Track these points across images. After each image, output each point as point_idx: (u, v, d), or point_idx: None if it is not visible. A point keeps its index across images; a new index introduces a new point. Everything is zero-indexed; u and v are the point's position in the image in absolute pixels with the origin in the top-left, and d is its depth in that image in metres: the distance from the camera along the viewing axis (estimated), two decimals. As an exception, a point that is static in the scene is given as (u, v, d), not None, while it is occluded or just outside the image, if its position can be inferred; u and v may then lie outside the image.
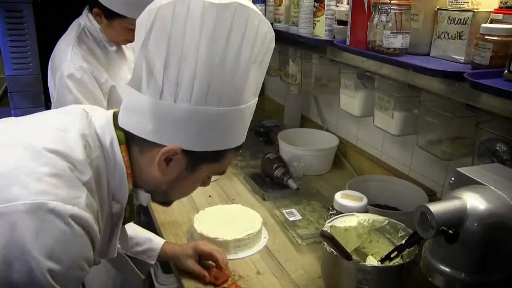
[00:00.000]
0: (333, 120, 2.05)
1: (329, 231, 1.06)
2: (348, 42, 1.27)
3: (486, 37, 0.90)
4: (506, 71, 0.84)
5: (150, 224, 1.52)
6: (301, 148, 1.84)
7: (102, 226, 0.80)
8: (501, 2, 0.98)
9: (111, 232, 0.87)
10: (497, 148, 1.01)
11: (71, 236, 0.68)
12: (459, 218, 0.78)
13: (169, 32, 0.72)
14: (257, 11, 0.76)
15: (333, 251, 1.01)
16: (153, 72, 0.74)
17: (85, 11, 1.53)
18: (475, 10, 0.98)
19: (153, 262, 1.21)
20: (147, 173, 0.82)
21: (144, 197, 0.88)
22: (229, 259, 1.23)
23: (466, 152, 1.18)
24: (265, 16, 1.90)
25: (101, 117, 0.82)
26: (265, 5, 1.91)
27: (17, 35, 2.13)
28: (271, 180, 1.72)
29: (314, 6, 1.42)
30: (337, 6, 1.37)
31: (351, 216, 1.16)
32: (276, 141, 1.96)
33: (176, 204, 1.52)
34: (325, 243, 1.03)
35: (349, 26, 1.25)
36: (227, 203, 1.57)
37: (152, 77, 0.74)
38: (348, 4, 1.29)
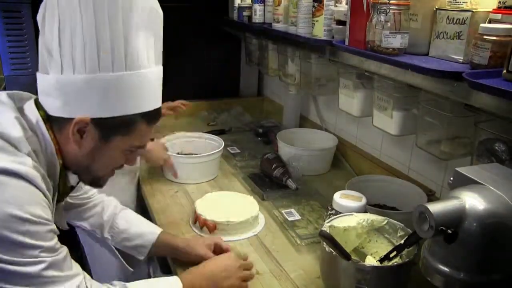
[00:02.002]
0: (332, 120, 2.05)
1: (328, 231, 1.06)
2: (347, 42, 1.27)
3: (485, 37, 0.90)
4: (504, 71, 0.84)
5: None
6: (300, 148, 1.84)
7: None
8: (499, 2, 0.98)
9: (55, 208, 0.93)
10: (496, 148, 1.02)
11: (23, 190, 0.76)
12: (458, 218, 0.78)
13: (57, 16, 0.83)
14: None
15: (332, 251, 1.01)
16: (52, 52, 0.84)
17: None
18: (474, 10, 0.99)
19: (141, 258, 1.24)
20: (68, 150, 0.90)
21: (72, 178, 0.98)
22: (233, 240, 1.34)
23: (465, 152, 1.18)
24: (264, 16, 1.92)
25: (29, 102, 0.90)
26: (264, 5, 1.91)
27: (15, 35, 2.12)
28: (270, 180, 1.72)
29: (313, 6, 1.42)
30: (336, 6, 1.38)
31: (350, 216, 1.16)
32: (275, 141, 1.96)
33: (175, 204, 1.54)
34: (324, 243, 1.03)
35: (348, 26, 1.25)
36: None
37: (52, 58, 0.84)
38: (347, 4, 1.30)
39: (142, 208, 1.65)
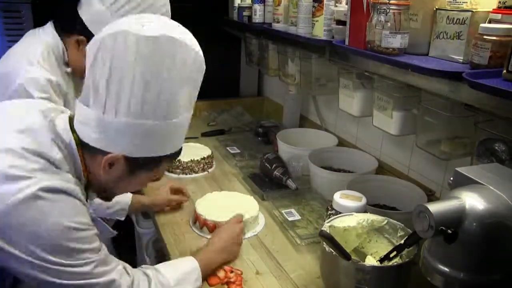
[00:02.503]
0: (332, 120, 2.05)
1: (328, 231, 1.06)
2: (347, 42, 1.27)
3: (485, 37, 0.90)
4: (504, 71, 0.84)
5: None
6: (300, 148, 1.84)
7: None
8: (499, 2, 0.98)
9: None
10: (496, 147, 1.02)
11: (71, 204, 0.86)
12: (458, 218, 0.78)
13: (110, 58, 0.86)
14: (183, 41, 0.89)
15: (332, 251, 1.01)
16: (98, 90, 0.88)
17: (51, 29, 1.38)
18: (474, 10, 0.99)
19: (123, 219, 1.47)
20: (96, 174, 0.96)
21: (91, 195, 1.06)
22: None
23: (465, 152, 1.18)
24: (264, 16, 1.92)
25: (60, 120, 0.95)
26: (264, 5, 1.91)
27: (15, 35, 2.11)
28: (270, 180, 1.72)
29: (313, 6, 1.42)
30: (336, 6, 1.38)
31: (350, 216, 1.16)
32: (275, 141, 1.96)
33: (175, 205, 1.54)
34: (324, 243, 1.03)
35: (348, 26, 1.25)
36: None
37: (97, 95, 0.88)
38: (347, 4, 1.29)
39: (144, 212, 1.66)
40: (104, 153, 0.91)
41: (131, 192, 1.47)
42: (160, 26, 0.87)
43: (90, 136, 0.92)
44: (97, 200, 1.32)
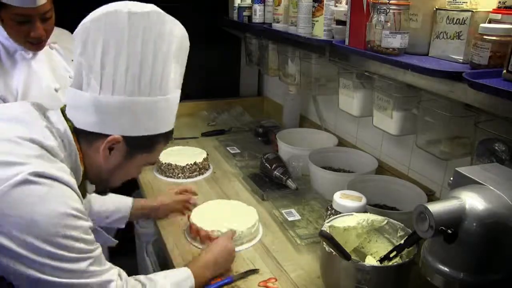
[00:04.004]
0: (332, 120, 2.05)
1: (328, 231, 1.06)
2: (347, 42, 1.27)
3: (485, 37, 0.90)
4: (504, 70, 0.84)
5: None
6: (300, 148, 1.84)
7: None
8: (499, 2, 0.98)
9: None
10: (496, 147, 1.02)
11: (67, 193, 0.84)
12: (458, 218, 0.78)
13: (102, 39, 0.88)
14: (169, 16, 0.94)
15: (332, 251, 1.01)
16: (92, 73, 0.89)
17: None
18: (474, 10, 0.99)
19: (123, 227, 1.43)
20: (92, 162, 0.96)
21: (89, 188, 1.05)
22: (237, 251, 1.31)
23: (465, 152, 1.18)
24: (264, 16, 1.92)
25: (53, 112, 0.95)
26: (264, 5, 1.91)
27: None
28: (270, 180, 1.72)
29: (313, 6, 1.42)
30: (336, 6, 1.38)
31: (350, 216, 1.16)
32: (275, 141, 1.96)
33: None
34: (324, 243, 1.03)
35: (348, 26, 1.25)
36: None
37: (91, 77, 0.90)
38: (347, 4, 1.30)
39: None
40: (102, 136, 0.92)
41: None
42: (145, 4, 0.91)
43: (86, 121, 0.92)
44: (95, 207, 1.32)
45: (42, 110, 0.95)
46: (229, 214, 1.41)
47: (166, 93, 0.95)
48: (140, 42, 0.89)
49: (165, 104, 0.96)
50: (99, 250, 0.89)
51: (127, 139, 0.93)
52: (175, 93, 1.00)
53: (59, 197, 0.81)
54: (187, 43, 1.00)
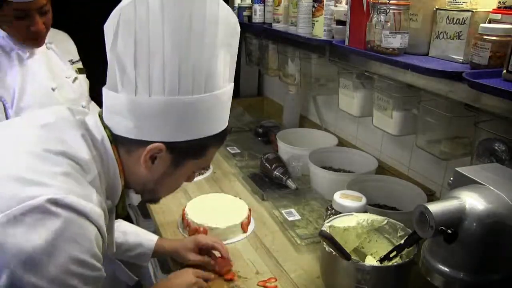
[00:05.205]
0: (332, 120, 2.05)
1: (328, 231, 1.06)
2: (347, 42, 1.27)
3: (485, 37, 0.90)
4: (504, 71, 0.84)
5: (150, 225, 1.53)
6: (300, 148, 1.84)
7: None
8: (499, 2, 0.98)
9: (107, 228, 0.88)
10: (496, 148, 1.02)
11: (87, 231, 0.71)
12: (458, 218, 0.78)
13: (134, 30, 0.75)
14: None
15: (332, 251, 1.01)
16: (125, 71, 0.78)
17: None
18: (474, 10, 0.99)
19: (146, 264, 1.27)
20: (134, 172, 0.85)
21: (134, 198, 0.94)
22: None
23: (465, 152, 1.18)
24: (264, 16, 1.92)
25: (90, 117, 0.85)
26: (264, 5, 1.91)
27: None
28: (270, 180, 1.72)
29: (313, 6, 1.42)
30: (336, 6, 1.38)
31: (350, 216, 1.16)
32: (275, 141, 1.96)
33: (175, 205, 1.54)
34: (324, 243, 1.03)
35: (348, 26, 1.25)
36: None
37: (125, 76, 0.78)
38: (347, 4, 1.30)
39: (142, 208, 1.65)
40: (142, 143, 0.80)
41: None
42: None
43: (123, 127, 0.81)
44: (116, 240, 1.15)
45: (80, 115, 0.85)
46: (221, 208, 1.45)
47: (213, 89, 0.82)
48: (178, 31, 0.76)
49: (213, 103, 0.83)
50: None
51: (171, 146, 0.81)
52: (226, 88, 0.86)
53: (76, 236, 0.69)
54: (237, 27, 0.85)
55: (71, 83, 1.55)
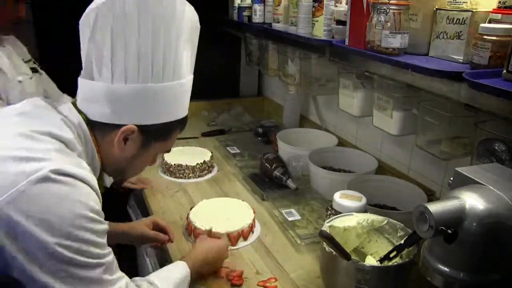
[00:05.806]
0: (332, 120, 2.05)
1: (328, 231, 1.06)
2: (347, 42, 1.27)
3: (485, 37, 0.90)
4: (504, 71, 0.84)
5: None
6: (300, 148, 1.84)
7: None
8: (499, 2, 0.98)
9: None
10: (496, 148, 1.02)
11: (87, 193, 0.79)
12: (458, 218, 0.78)
13: (111, 25, 0.85)
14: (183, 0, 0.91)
15: (332, 251, 1.01)
16: (102, 61, 0.86)
17: None
18: (474, 10, 0.99)
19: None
20: (108, 154, 0.94)
21: (106, 179, 1.03)
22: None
23: (465, 152, 1.18)
24: (264, 16, 1.92)
25: (64, 105, 0.92)
26: (264, 5, 1.91)
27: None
28: (270, 180, 1.72)
29: (313, 6, 1.43)
30: (336, 6, 1.38)
31: (350, 216, 1.16)
32: (275, 141, 1.96)
33: (174, 205, 1.54)
34: (324, 243, 1.03)
35: (348, 26, 1.26)
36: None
37: (102, 66, 0.87)
38: (347, 4, 1.30)
39: (142, 208, 1.65)
40: (117, 126, 0.89)
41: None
42: None
43: (98, 112, 0.89)
44: None
45: (54, 104, 0.92)
46: (226, 213, 1.41)
47: (180, 77, 0.94)
48: (151, 26, 0.86)
49: (179, 90, 0.95)
50: (111, 256, 0.83)
51: (142, 128, 0.91)
52: (188, 78, 0.98)
53: (79, 197, 0.77)
54: (198, 25, 0.97)
55: (29, 79, 1.60)
